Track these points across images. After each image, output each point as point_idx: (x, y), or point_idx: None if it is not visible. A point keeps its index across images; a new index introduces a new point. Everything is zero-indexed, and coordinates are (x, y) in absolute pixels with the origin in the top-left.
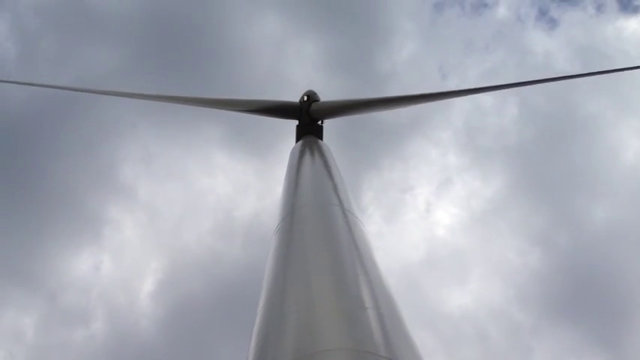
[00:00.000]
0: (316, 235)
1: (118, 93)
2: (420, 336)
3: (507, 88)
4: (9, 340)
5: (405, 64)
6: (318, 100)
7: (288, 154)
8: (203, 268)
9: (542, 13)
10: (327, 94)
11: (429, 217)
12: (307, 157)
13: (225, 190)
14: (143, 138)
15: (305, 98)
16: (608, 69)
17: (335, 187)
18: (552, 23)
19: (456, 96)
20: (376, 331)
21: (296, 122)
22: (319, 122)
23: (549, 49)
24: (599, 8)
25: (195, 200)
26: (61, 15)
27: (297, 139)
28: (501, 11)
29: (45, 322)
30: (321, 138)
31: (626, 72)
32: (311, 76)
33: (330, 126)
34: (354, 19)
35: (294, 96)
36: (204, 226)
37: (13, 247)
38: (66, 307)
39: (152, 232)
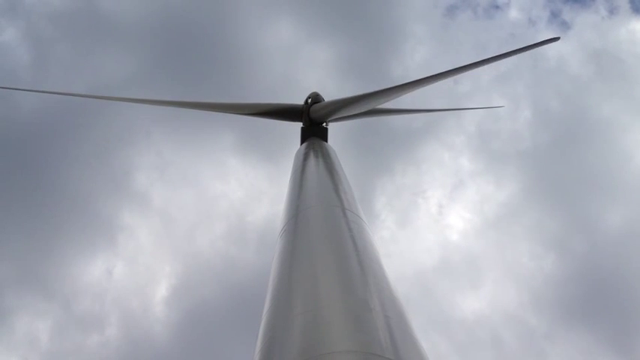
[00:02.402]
0: (321, 237)
1: (122, 99)
2: (434, 340)
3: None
4: (24, 346)
5: (417, 69)
6: (320, 102)
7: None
8: (217, 274)
9: (555, 16)
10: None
11: (443, 222)
12: (312, 160)
13: (238, 195)
14: (157, 145)
15: (309, 100)
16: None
17: (340, 189)
18: (564, 26)
19: (453, 75)
20: (382, 333)
21: (300, 125)
22: (323, 124)
23: (562, 52)
24: (612, 10)
25: (209, 206)
26: (74, 22)
27: (302, 142)
28: (513, 14)
29: (59, 327)
30: (326, 140)
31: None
32: (323, 80)
33: (342, 132)
34: (366, 24)
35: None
36: (217, 232)
37: (28, 253)
38: (80, 313)
39: (166, 238)
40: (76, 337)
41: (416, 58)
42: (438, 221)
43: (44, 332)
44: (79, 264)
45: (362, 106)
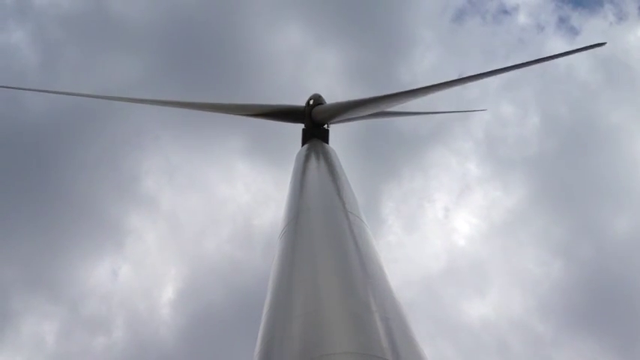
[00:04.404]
0: (322, 238)
1: (124, 99)
2: (441, 345)
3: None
4: (30, 348)
5: (425, 74)
6: (322, 104)
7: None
8: (223, 277)
9: (563, 21)
10: None
11: (450, 228)
12: (313, 161)
13: (245, 199)
14: (165, 149)
15: (310, 102)
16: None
17: (341, 191)
18: (572, 32)
19: (460, 84)
20: (382, 334)
21: (302, 126)
22: (325, 126)
23: (571, 59)
24: (620, 16)
25: (216, 210)
26: (83, 25)
27: (303, 143)
28: (521, 19)
29: (66, 329)
30: (327, 142)
31: None
32: (332, 85)
33: (349, 136)
34: (374, 29)
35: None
36: (224, 235)
37: (36, 256)
38: (87, 316)
39: (173, 241)
40: (83, 339)
41: (424, 63)
42: (445, 226)
43: (50, 334)
44: (86, 267)
45: (365, 109)
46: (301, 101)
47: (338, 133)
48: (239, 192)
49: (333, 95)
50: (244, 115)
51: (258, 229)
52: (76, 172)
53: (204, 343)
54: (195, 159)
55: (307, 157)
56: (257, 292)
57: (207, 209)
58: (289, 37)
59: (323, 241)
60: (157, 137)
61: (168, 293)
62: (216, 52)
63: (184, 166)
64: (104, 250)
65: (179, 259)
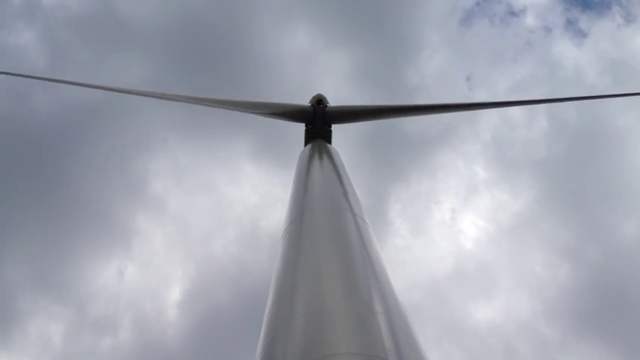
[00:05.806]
0: (325, 238)
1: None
2: (447, 349)
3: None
4: (37, 348)
5: (432, 77)
6: (327, 104)
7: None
8: (230, 278)
9: (570, 23)
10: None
11: (457, 230)
12: (316, 161)
13: (252, 200)
14: (174, 151)
15: (316, 103)
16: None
17: (344, 192)
18: (580, 34)
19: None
20: (385, 336)
21: (304, 126)
22: (328, 126)
23: (579, 62)
24: (628, 18)
25: (223, 211)
26: (92, 26)
27: (306, 143)
28: (529, 21)
29: (73, 330)
30: (330, 142)
31: None
32: (340, 88)
33: (356, 138)
34: (382, 32)
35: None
36: (231, 237)
37: (43, 257)
38: (94, 316)
39: (180, 242)
40: (90, 340)
41: (432, 66)
42: (452, 229)
43: (57, 335)
44: (93, 267)
45: (379, 116)
46: (306, 102)
47: (344, 135)
48: (246, 193)
49: (340, 97)
50: (248, 112)
51: (265, 230)
52: (84, 173)
53: (211, 344)
54: (202, 161)
55: (310, 157)
56: (263, 293)
57: (214, 211)
58: (297, 38)
59: (325, 241)
60: (166, 139)
61: (175, 294)
62: (224, 53)
63: (192, 167)
64: (111, 251)
65: (186, 261)
